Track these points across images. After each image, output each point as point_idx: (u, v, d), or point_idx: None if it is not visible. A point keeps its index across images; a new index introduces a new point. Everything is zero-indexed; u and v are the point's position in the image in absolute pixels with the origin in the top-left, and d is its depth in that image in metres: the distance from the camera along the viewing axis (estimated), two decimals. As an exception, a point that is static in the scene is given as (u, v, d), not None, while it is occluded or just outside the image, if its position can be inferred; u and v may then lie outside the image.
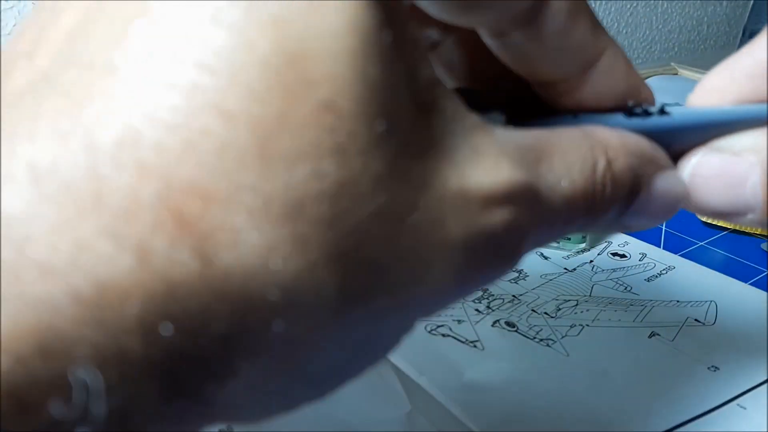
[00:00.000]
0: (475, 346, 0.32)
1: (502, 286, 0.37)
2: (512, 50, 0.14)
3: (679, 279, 0.39)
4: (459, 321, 0.34)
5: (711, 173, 0.15)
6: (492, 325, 0.34)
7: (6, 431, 0.08)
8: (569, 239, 0.40)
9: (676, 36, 0.96)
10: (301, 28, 0.10)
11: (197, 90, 0.09)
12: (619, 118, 0.15)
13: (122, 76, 0.09)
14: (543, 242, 0.14)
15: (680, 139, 0.15)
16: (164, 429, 0.10)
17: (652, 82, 0.70)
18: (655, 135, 0.15)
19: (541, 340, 0.33)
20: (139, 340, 0.09)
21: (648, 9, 0.89)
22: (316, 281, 0.10)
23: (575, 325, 0.34)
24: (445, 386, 0.29)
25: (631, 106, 0.15)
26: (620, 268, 0.40)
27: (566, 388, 0.30)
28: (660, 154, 0.15)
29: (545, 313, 0.35)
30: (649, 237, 0.44)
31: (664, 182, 0.15)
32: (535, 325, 0.34)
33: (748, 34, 0.75)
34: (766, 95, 0.15)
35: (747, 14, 0.74)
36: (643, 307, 0.36)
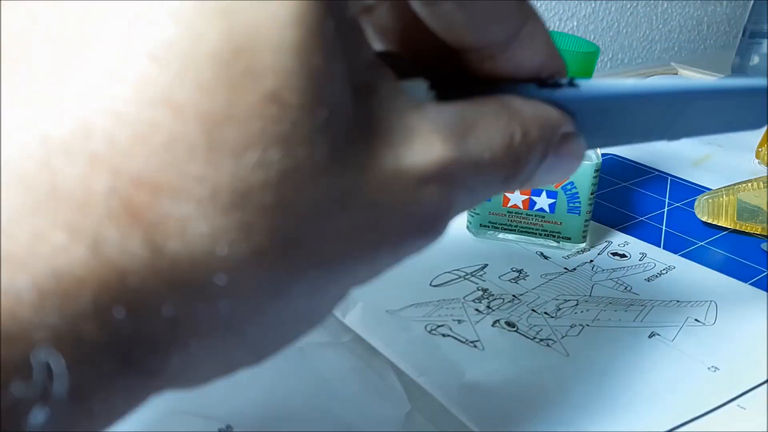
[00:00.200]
0: (475, 346, 0.32)
1: (503, 286, 0.37)
2: (439, 17, 0.14)
3: (679, 279, 0.39)
4: (459, 321, 0.34)
5: None
6: (492, 325, 0.34)
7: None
8: (569, 239, 0.40)
9: (676, 36, 0.96)
10: (249, 19, 0.10)
11: (147, 82, 0.09)
12: (533, 88, 0.16)
13: (75, 69, 0.09)
14: (463, 209, 0.15)
15: (587, 108, 0.17)
16: (115, 402, 0.10)
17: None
18: (563, 104, 0.16)
19: (541, 340, 0.33)
20: (94, 323, 0.09)
21: (648, 9, 0.89)
22: (260, 264, 0.11)
23: (575, 325, 0.34)
24: (445, 386, 0.29)
25: (544, 78, 0.16)
26: (620, 268, 0.40)
27: (566, 388, 0.30)
28: (566, 120, 0.16)
29: (545, 313, 0.35)
30: (649, 237, 0.44)
31: (568, 148, 0.16)
32: (535, 325, 0.34)
33: (748, 34, 0.75)
34: None
35: (747, 14, 0.74)
36: (643, 307, 0.36)
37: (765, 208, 0.43)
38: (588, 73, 0.39)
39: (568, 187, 0.39)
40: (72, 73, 0.09)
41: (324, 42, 0.11)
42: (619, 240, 0.43)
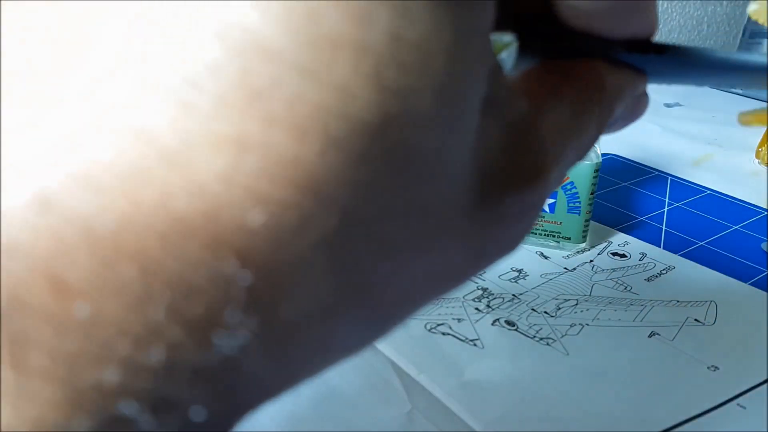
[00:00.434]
0: (474, 345, 0.32)
1: (502, 285, 0.37)
2: None
3: (679, 279, 0.39)
4: (459, 320, 0.34)
5: None
6: (492, 324, 0.34)
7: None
8: (569, 239, 0.40)
9: (676, 36, 0.96)
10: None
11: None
12: (619, 50, 0.16)
13: (75, 70, 0.09)
14: (562, 176, 0.15)
15: (672, 73, 0.17)
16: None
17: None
18: (648, 68, 0.16)
19: (541, 339, 0.33)
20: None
21: (648, 9, 0.89)
22: None
23: (575, 325, 0.34)
24: (444, 385, 0.29)
25: (631, 41, 0.16)
26: (620, 268, 0.40)
27: (566, 387, 0.30)
28: (644, 83, 0.17)
29: (545, 312, 0.35)
30: (649, 237, 0.44)
31: (639, 108, 0.17)
32: (535, 324, 0.34)
33: (748, 34, 0.75)
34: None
35: (747, 14, 0.74)
36: (643, 306, 0.36)
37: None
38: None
39: (568, 186, 0.39)
40: (72, 74, 0.09)
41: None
42: (619, 240, 0.43)
